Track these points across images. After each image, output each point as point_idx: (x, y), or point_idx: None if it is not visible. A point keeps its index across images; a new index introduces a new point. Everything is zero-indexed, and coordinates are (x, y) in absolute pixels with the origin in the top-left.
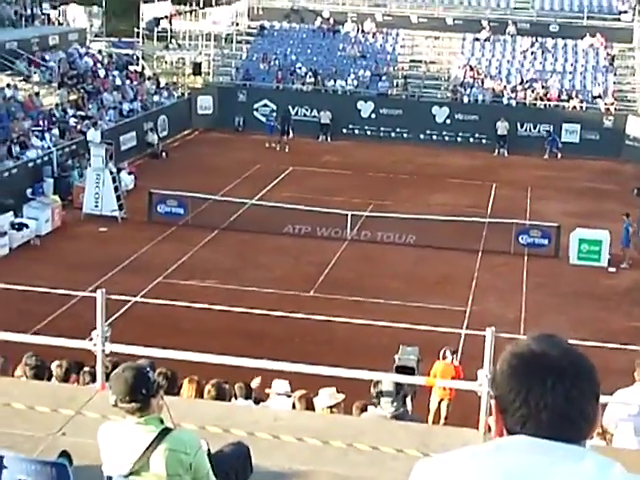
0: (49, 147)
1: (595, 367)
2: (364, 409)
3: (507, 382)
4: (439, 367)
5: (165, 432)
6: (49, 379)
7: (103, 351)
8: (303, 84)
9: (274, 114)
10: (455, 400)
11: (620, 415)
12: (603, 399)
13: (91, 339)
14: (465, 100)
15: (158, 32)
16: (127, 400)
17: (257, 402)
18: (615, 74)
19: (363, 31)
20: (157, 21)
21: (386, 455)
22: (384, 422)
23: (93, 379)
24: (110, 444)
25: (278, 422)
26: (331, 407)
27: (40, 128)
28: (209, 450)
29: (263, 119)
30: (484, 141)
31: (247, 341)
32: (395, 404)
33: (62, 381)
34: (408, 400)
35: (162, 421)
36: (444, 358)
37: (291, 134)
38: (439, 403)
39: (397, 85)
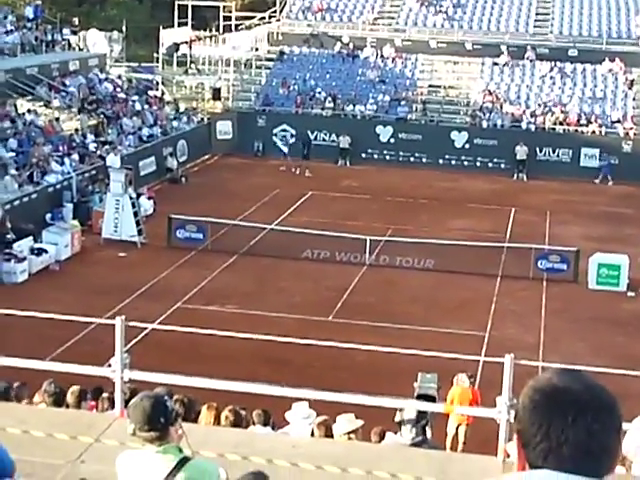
0: (69, 172)
1: (617, 401)
2: (382, 435)
3: (529, 416)
4: (456, 392)
5: (184, 461)
6: (68, 406)
7: (122, 378)
8: (322, 109)
9: (291, 138)
10: (474, 426)
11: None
12: (623, 426)
13: (110, 366)
14: (484, 125)
15: (178, 57)
16: (145, 429)
17: (275, 428)
18: (634, 99)
19: (382, 56)
20: (177, 46)
21: None
22: (403, 449)
23: (112, 405)
24: (129, 473)
25: (297, 449)
26: (349, 433)
27: (60, 153)
28: (227, 479)
29: (280, 143)
30: (503, 166)
31: (267, 367)
32: (415, 431)
33: (75, 408)
34: (427, 427)
35: (181, 450)
36: (461, 382)
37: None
38: (457, 428)
39: (416, 110)
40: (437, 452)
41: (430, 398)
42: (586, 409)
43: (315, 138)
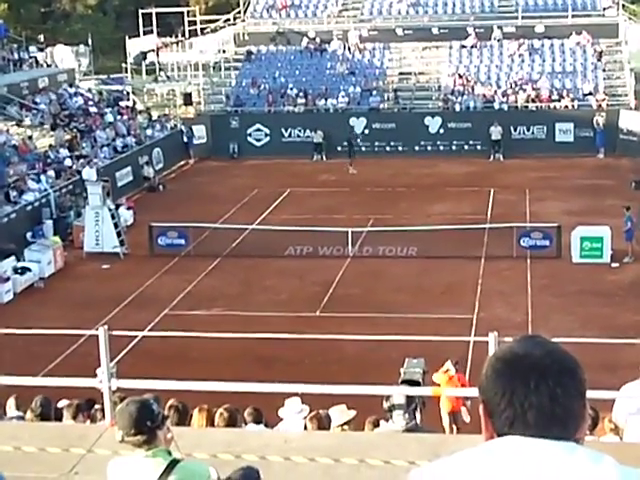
0: (46, 189)
1: (580, 364)
2: (376, 424)
3: (492, 385)
4: (441, 381)
5: (174, 463)
6: (58, 419)
7: (110, 388)
8: (294, 105)
9: (265, 137)
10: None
11: (629, 409)
12: (612, 394)
13: (96, 376)
14: (457, 108)
15: (146, 66)
16: (132, 433)
17: (268, 426)
18: (604, 70)
19: (350, 48)
20: (144, 55)
21: (398, 468)
22: (395, 436)
23: (105, 416)
24: (120, 479)
25: (289, 444)
26: (343, 425)
27: (36, 171)
28: (219, 478)
29: (255, 143)
30: (479, 147)
31: (257, 366)
32: (406, 417)
33: (73, 420)
34: (417, 412)
35: (170, 453)
36: (446, 371)
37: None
38: (450, 415)
39: (388, 99)
40: (429, 435)
41: (415, 383)
42: (547, 374)
43: (289, 135)
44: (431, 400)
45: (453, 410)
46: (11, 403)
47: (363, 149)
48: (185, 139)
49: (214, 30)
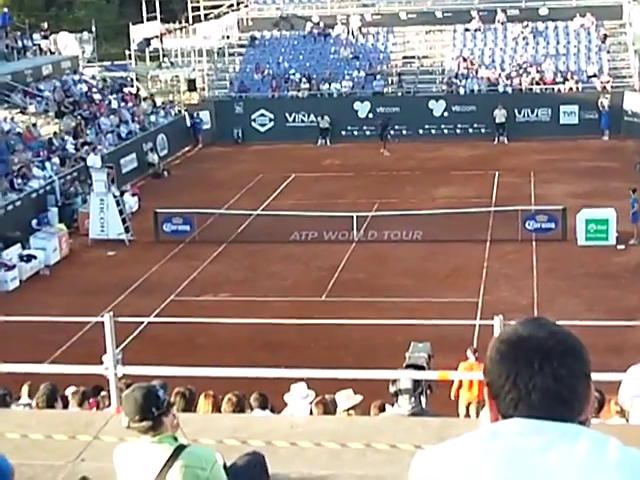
0: (51, 176)
1: (584, 346)
2: (382, 409)
3: (496, 368)
4: (463, 369)
5: (180, 449)
6: (65, 407)
7: (116, 374)
8: (298, 90)
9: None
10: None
11: (634, 391)
12: (618, 377)
13: (102, 363)
14: (461, 91)
15: (150, 52)
16: (138, 420)
17: (274, 411)
18: (608, 52)
19: (353, 33)
20: (148, 41)
21: (404, 452)
22: (401, 420)
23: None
24: (126, 465)
25: (295, 429)
26: (349, 409)
27: (40, 158)
28: (225, 463)
29: (260, 128)
30: (483, 130)
31: (264, 351)
32: (412, 401)
33: (79, 407)
34: (423, 397)
35: (176, 439)
36: (467, 359)
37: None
38: (467, 407)
39: (392, 83)
40: (435, 419)
41: (419, 367)
42: (551, 355)
43: (293, 120)
44: (441, 386)
45: (470, 402)
46: (24, 390)
47: (367, 133)
48: (190, 124)
49: (218, 16)
